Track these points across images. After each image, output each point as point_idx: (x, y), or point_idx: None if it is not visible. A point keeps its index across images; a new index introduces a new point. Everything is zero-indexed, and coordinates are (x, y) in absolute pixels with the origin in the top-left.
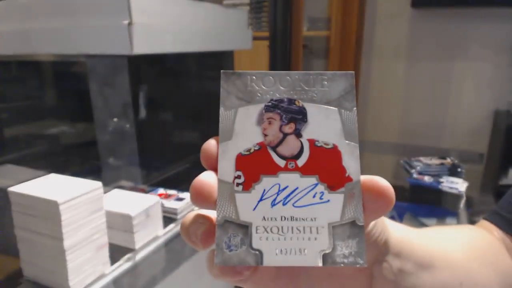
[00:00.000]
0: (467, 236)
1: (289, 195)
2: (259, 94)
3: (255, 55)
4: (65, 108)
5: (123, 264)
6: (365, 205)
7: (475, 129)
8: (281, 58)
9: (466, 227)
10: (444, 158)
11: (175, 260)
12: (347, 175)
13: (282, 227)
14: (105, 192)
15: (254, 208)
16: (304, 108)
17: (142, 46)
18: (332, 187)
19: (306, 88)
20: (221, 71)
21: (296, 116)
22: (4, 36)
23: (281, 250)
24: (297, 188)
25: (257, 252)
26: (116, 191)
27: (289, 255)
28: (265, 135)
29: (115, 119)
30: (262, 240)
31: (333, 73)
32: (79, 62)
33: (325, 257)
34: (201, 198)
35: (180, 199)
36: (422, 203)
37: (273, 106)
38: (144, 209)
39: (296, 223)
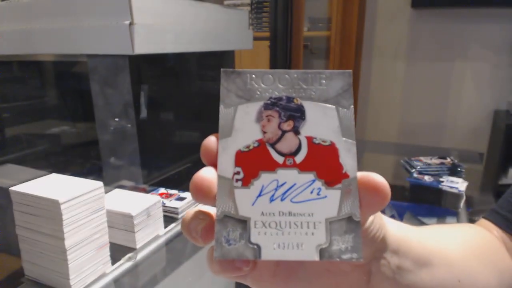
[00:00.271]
0: (466, 234)
1: (287, 191)
2: (258, 92)
3: (256, 55)
4: (66, 108)
5: (124, 264)
6: (361, 201)
7: (475, 129)
8: (282, 58)
9: (465, 226)
10: (444, 158)
11: (176, 259)
12: (344, 171)
13: (280, 222)
14: (106, 192)
15: (253, 204)
16: (303, 106)
17: (143, 46)
18: (329, 183)
19: (305, 87)
20: (221, 69)
21: (294, 114)
22: (4, 36)
23: (279, 245)
24: (295, 184)
25: (255, 247)
26: (117, 191)
27: (287, 249)
28: (264, 132)
29: (116, 119)
30: (260, 235)
31: (331, 72)
32: (80, 62)
33: (322, 252)
34: (201, 193)
35: (181, 199)
36: (422, 203)
37: (272, 104)
38: (145, 209)
39: (294, 218)
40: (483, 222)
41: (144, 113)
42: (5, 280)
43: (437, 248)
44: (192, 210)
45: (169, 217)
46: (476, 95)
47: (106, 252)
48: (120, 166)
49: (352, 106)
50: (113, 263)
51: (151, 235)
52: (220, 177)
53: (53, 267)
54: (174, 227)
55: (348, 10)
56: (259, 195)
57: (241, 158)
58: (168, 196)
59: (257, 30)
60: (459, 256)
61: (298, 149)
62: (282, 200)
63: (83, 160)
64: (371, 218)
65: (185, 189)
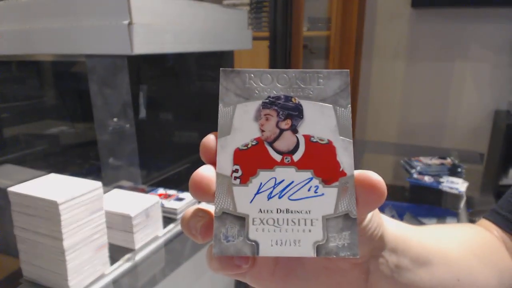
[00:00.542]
0: (466, 234)
1: (285, 188)
2: (257, 91)
3: (255, 55)
4: (65, 108)
5: (123, 265)
6: (358, 199)
7: (475, 129)
8: (281, 58)
9: (465, 226)
10: (444, 158)
11: (175, 260)
12: (341, 169)
13: (277, 219)
14: (105, 192)
15: (251, 201)
16: (300, 105)
17: (142, 46)
18: (326, 181)
19: (303, 86)
20: (221, 69)
21: (292, 113)
22: (4, 36)
23: (277, 241)
24: (292, 182)
25: (253, 243)
26: (116, 191)
27: (284, 246)
28: (262, 131)
29: (115, 119)
30: (258, 232)
31: (328, 71)
32: (79, 62)
33: (319, 248)
34: (200, 191)
35: (180, 199)
36: (422, 203)
37: (270, 103)
38: (144, 209)
39: (291, 216)
40: (483, 222)
41: (143, 113)
42: (4, 281)
43: (436, 247)
44: (192, 207)
45: (168, 218)
46: (476, 95)
47: (105, 253)
48: (119, 166)
49: (349, 105)
50: (112, 264)
51: (150, 235)
52: (218, 175)
53: (51, 268)
54: (173, 228)
55: (348, 10)
56: (257, 192)
57: (240, 156)
58: (167, 196)
59: (256, 30)
60: (459, 255)
61: (296, 147)
62: (280, 197)
63: (81, 160)
64: (369, 216)
65: (184, 189)
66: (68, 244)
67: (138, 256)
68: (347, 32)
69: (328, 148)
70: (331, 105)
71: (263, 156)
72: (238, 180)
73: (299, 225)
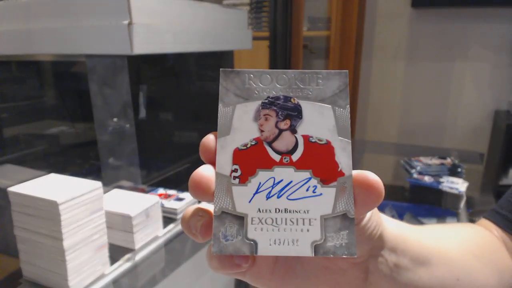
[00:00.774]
0: (465, 233)
1: (283, 188)
2: (256, 92)
3: (255, 55)
4: (65, 108)
5: (123, 265)
6: (356, 199)
7: (475, 129)
8: (281, 58)
9: (465, 225)
10: (444, 158)
11: (175, 260)
12: (339, 169)
13: (276, 219)
14: (104, 192)
15: (250, 200)
16: (300, 105)
17: (142, 46)
18: (325, 181)
19: (302, 86)
20: (220, 69)
21: (291, 113)
22: (4, 36)
23: (275, 241)
24: (291, 181)
25: (252, 242)
26: (116, 191)
27: (283, 245)
28: (262, 131)
29: (115, 119)
30: (257, 231)
31: (327, 72)
32: (79, 62)
33: (316, 248)
34: (200, 190)
35: (180, 199)
36: (422, 203)
37: (270, 103)
38: (144, 209)
39: (290, 215)
40: (483, 222)
41: (143, 113)
42: (4, 281)
43: (436, 247)
44: (192, 207)
45: (168, 218)
46: (476, 95)
47: (105, 253)
48: (119, 166)
49: (348, 106)
50: (112, 264)
51: (150, 235)
52: (218, 174)
53: (51, 268)
54: (173, 228)
55: (348, 10)
56: (256, 192)
57: (239, 156)
58: (167, 196)
59: (256, 30)
60: (458, 255)
61: (295, 147)
62: (278, 197)
63: (81, 160)
64: (368, 215)
65: (184, 189)
66: (68, 244)
67: (138, 256)
68: (347, 32)
69: (327, 148)
70: (330, 106)
71: (262, 156)
72: (237, 180)
73: (297, 224)
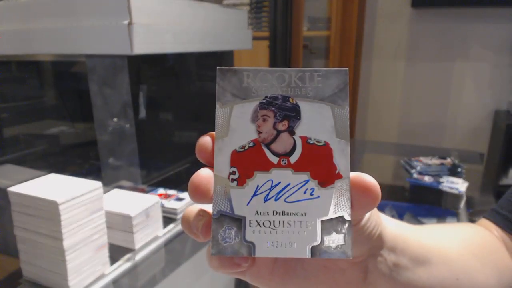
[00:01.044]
0: (465, 233)
1: (281, 191)
2: (254, 91)
3: (255, 55)
4: (65, 108)
5: (123, 265)
6: (352, 201)
7: (475, 129)
8: (281, 58)
9: (465, 225)
10: (444, 158)
11: (175, 260)
12: (337, 172)
13: (274, 221)
14: (104, 192)
15: (248, 203)
16: (298, 106)
17: (142, 46)
18: (322, 184)
19: (301, 85)
20: (217, 67)
21: (289, 114)
22: (4, 36)
23: (272, 243)
24: (289, 184)
25: (249, 244)
26: (115, 191)
27: (280, 247)
28: (260, 132)
29: (115, 119)
30: (254, 233)
31: (327, 70)
32: (79, 62)
33: (313, 250)
34: (199, 194)
35: (180, 199)
36: (422, 203)
37: (268, 103)
38: (144, 209)
39: (287, 218)
40: (483, 221)
41: (143, 113)
42: (4, 281)
43: (435, 247)
44: (192, 207)
45: (168, 218)
46: (476, 95)
47: (105, 253)
48: (119, 166)
49: (348, 106)
50: (112, 264)
51: (150, 235)
52: (216, 177)
53: (51, 268)
54: (173, 228)
55: (348, 10)
56: (254, 195)
57: (237, 158)
58: (167, 196)
59: (256, 30)
60: (458, 254)
61: (293, 149)
62: (276, 200)
63: (81, 160)
64: (367, 215)
65: (184, 189)
66: (68, 244)
67: (138, 256)
68: (347, 32)
69: (325, 150)
70: (329, 106)
71: (260, 158)
72: (235, 182)
73: (294, 227)
